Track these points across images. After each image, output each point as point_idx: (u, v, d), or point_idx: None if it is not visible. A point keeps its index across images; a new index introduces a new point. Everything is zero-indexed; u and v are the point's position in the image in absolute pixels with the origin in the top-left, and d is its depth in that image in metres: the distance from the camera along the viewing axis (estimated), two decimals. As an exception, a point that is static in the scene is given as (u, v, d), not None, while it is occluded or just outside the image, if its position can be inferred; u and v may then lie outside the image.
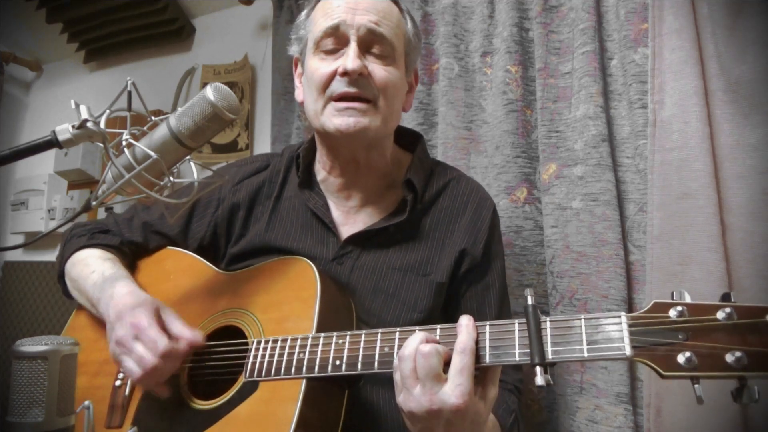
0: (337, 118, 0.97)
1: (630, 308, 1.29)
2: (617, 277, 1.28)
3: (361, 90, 0.97)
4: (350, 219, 1.08)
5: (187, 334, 0.91)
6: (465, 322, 0.76)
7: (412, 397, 0.72)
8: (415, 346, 0.73)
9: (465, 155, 1.56)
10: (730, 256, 1.15)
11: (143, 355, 0.87)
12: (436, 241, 1.05)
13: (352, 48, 0.97)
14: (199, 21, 2.42)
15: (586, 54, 1.37)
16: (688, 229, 1.18)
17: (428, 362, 0.71)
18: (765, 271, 1.12)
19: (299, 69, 1.12)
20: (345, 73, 0.95)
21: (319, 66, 1.00)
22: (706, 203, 1.16)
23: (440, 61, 1.61)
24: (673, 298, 0.69)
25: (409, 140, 1.16)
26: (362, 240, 1.04)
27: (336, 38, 0.99)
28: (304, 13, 1.09)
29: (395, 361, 0.76)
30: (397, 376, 0.75)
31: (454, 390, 0.70)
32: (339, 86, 0.96)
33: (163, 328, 0.91)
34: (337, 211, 1.09)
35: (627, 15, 1.36)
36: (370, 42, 0.99)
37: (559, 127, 1.43)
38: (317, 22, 1.02)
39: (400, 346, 0.79)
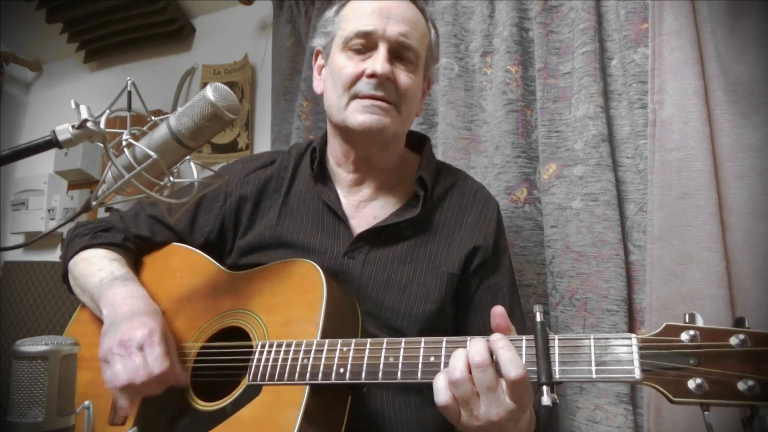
0: (361, 115, 1.00)
1: (630, 308, 1.29)
2: (617, 277, 1.28)
3: (385, 93, 1.00)
4: (360, 212, 1.10)
5: (177, 371, 0.91)
6: (506, 348, 0.73)
7: (478, 414, 0.73)
8: (463, 366, 0.73)
9: (465, 155, 1.56)
10: (730, 256, 1.15)
11: (139, 368, 0.86)
12: (444, 237, 1.08)
13: (382, 53, 1.00)
14: (199, 21, 2.42)
15: (586, 54, 1.37)
16: (688, 229, 1.18)
17: (485, 376, 0.72)
18: (765, 271, 1.12)
19: (320, 61, 1.14)
20: (373, 75, 0.99)
21: (346, 64, 1.03)
22: (706, 203, 1.16)
23: (440, 61, 1.61)
24: (685, 321, 0.68)
25: (415, 141, 1.19)
26: (373, 236, 1.06)
27: (366, 41, 1.02)
28: (333, 10, 1.11)
29: (442, 385, 0.74)
30: (448, 402, 0.74)
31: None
32: (365, 87, 1.00)
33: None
34: (347, 204, 1.10)
35: (627, 15, 1.36)
36: (397, 50, 1.02)
37: (559, 127, 1.43)
38: (349, 21, 1.05)
39: (405, 356, 0.79)
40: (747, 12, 1.18)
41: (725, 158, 1.19)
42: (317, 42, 1.13)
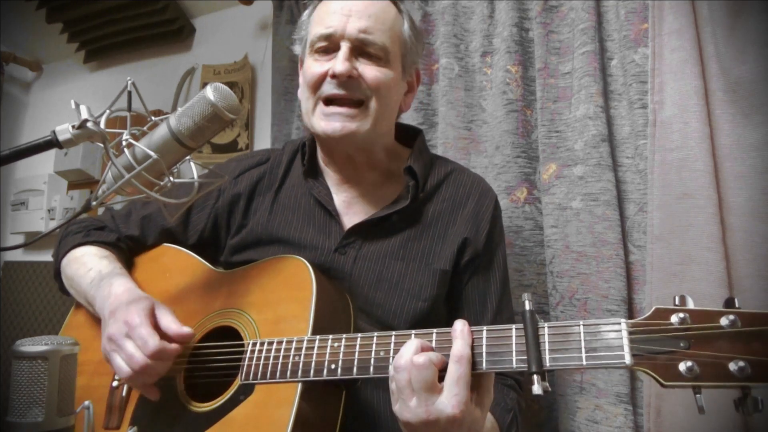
0: (323, 121, 1.00)
1: (630, 308, 1.29)
2: (617, 277, 1.28)
3: (350, 92, 0.99)
4: (351, 209, 1.09)
5: (174, 328, 0.89)
6: (459, 327, 0.75)
7: (408, 408, 0.72)
8: (409, 356, 0.73)
9: (465, 155, 1.56)
10: (730, 256, 1.15)
11: (133, 353, 0.86)
12: (438, 231, 1.06)
13: (342, 51, 0.99)
14: (199, 21, 2.42)
15: (586, 54, 1.37)
16: (688, 229, 1.18)
17: (422, 374, 0.71)
18: (765, 271, 1.12)
19: (301, 68, 1.13)
20: (334, 76, 0.98)
21: (312, 66, 1.02)
22: (706, 203, 1.16)
23: (440, 61, 1.61)
24: (675, 303, 0.68)
25: (408, 135, 1.18)
26: (365, 230, 1.05)
27: (329, 43, 1.02)
28: (306, 13, 1.11)
29: (390, 371, 0.75)
30: (392, 386, 0.75)
31: (450, 400, 0.70)
32: (329, 88, 0.99)
33: (156, 326, 0.90)
34: (338, 200, 1.10)
35: (627, 15, 1.36)
36: (361, 46, 1.01)
37: (559, 127, 1.43)
38: (314, 25, 1.05)
39: (396, 351, 0.79)
40: (747, 12, 1.18)
41: (725, 158, 1.19)
42: (297, 50, 1.13)
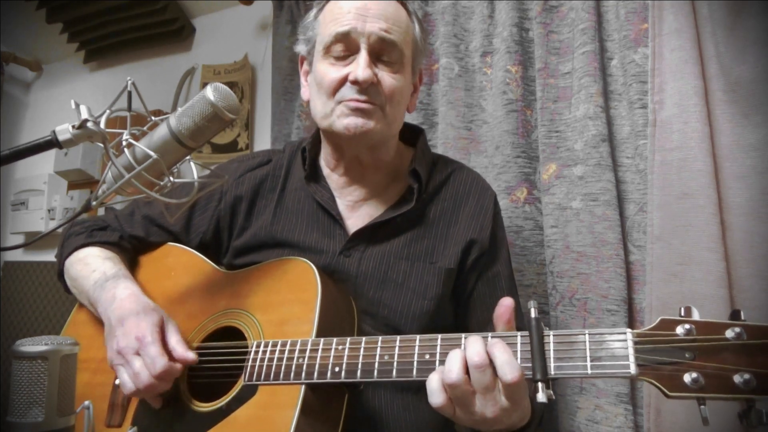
0: (346, 118, 0.99)
1: (630, 308, 1.29)
2: (617, 277, 1.28)
3: (369, 97, 0.98)
4: (355, 212, 1.09)
5: (179, 351, 0.90)
6: (503, 351, 0.72)
7: (474, 411, 0.72)
8: (460, 367, 0.71)
9: (465, 155, 1.56)
10: (730, 256, 1.15)
11: (140, 372, 0.87)
12: (440, 230, 1.07)
13: (363, 57, 0.98)
14: (199, 21, 2.42)
15: (586, 54, 1.37)
16: (688, 229, 1.18)
17: (484, 376, 0.71)
18: (765, 271, 1.12)
19: (305, 67, 1.13)
20: (356, 82, 0.97)
21: (329, 71, 1.01)
22: (706, 203, 1.16)
23: (440, 61, 1.61)
24: (681, 315, 0.68)
25: (411, 135, 1.18)
26: (369, 233, 1.05)
27: (346, 44, 1.00)
28: (312, 13, 1.10)
29: (433, 385, 0.73)
30: (443, 404, 0.74)
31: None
32: (349, 92, 0.98)
33: (164, 340, 0.91)
34: (342, 204, 1.09)
35: (627, 15, 1.36)
36: (380, 49, 1.00)
37: (559, 127, 1.43)
38: (327, 25, 1.03)
39: (400, 354, 0.79)
40: (747, 12, 1.18)
41: (725, 158, 1.19)
42: (300, 48, 1.12)
